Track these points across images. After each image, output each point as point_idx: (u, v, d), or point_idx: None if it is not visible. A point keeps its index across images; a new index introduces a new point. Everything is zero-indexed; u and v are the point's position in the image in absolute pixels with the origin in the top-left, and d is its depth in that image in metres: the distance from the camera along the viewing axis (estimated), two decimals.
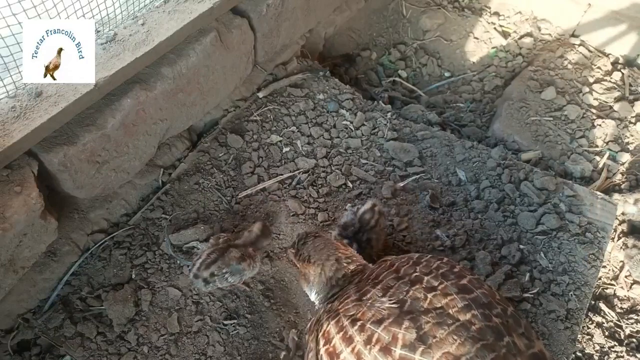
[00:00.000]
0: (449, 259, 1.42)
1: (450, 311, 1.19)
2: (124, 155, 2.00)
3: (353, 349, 1.22)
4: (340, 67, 3.33)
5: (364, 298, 1.31)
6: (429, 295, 1.23)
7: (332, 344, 1.28)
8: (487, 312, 1.19)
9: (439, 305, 1.20)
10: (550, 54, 3.17)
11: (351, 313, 1.29)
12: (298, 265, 1.65)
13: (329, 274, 1.54)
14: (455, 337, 1.13)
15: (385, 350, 1.16)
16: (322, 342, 1.34)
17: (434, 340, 1.13)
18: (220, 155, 2.42)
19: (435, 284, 1.26)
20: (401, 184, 2.38)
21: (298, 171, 2.40)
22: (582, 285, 2.07)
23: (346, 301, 1.36)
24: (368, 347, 1.19)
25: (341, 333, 1.27)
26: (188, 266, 2.05)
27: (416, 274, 1.31)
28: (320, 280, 1.56)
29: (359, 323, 1.25)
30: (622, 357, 2.16)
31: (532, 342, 1.20)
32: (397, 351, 1.14)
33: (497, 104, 2.98)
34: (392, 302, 1.25)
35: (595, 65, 3.12)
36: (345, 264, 1.54)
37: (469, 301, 1.20)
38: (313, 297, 1.62)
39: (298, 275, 1.75)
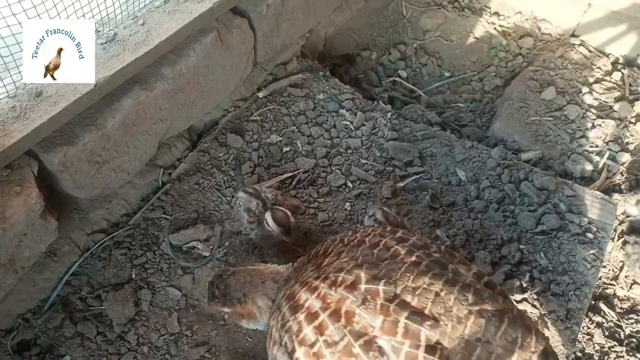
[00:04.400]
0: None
1: (397, 258, 1.33)
2: (124, 155, 2.00)
3: (319, 294, 1.29)
4: (340, 67, 3.33)
5: (323, 265, 1.39)
6: (375, 251, 1.36)
7: (296, 298, 1.33)
8: (426, 251, 1.36)
9: (386, 256, 1.34)
10: (550, 54, 3.17)
11: (314, 276, 1.36)
12: (233, 310, 1.58)
13: (273, 296, 1.52)
14: (409, 274, 1.26)
15: (351, 287, 1.26)
16: (284, 303, 1.36)
17: (392, 280, 1.25)
18: (220, 155, 2.42)
19: (376, 240, 1.40)
20: (401, 184, 2.38)
21: (298, 171, 2.40)
22: (582, 285, 2.07)
23: (305, 272, 1.42)
24: (333, 288, 1.28)
25: (306, 287, 1.34)
26: (189, 268, 2.06)
27: (358, 238, 1.44)
28: (269, 308, 1.53)
29: (322, 276, 1.34)
30: (622, 357, 2.16)
31: (469, 266, 1.37)
32: (362, 286, 1.25)
33: (497, 104, 2.98)
34: (348, 258, 1.37)
35: (595, 65, 3.12)
36: (279, 279, 1.55)
37: (409, 247, 1.36)
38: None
39: (234, 318, 1.66)
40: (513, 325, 1.17)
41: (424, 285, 1.23)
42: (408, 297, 1.21)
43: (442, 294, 1.21)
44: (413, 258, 1.31)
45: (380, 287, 1.23)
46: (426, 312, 1.18)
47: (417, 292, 1.22)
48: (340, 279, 1.29)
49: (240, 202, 2.06)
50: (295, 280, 1.44)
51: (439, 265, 1.30)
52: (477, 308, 1.19)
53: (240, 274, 1.57)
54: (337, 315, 1.22)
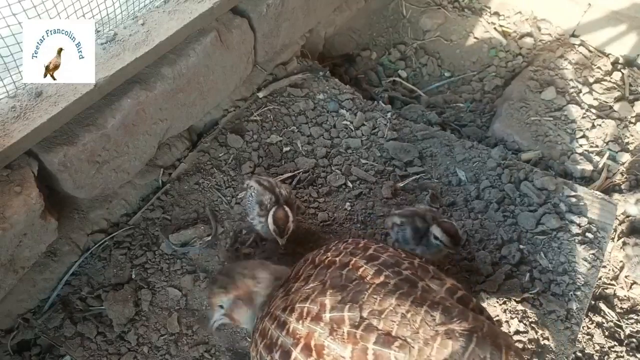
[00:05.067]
0: (354, 238, 1.56)
1: (366, 279, 1.31)
2: (124, 155, 2.00)
3: (288, 330, 1.30)
4: (340, 67, 3.33)
5: (291, 292, 1.39)
6: (344, 272, 1.35)
7: (268, 336, 1.35)
8: (396, 269, 1.34)
9: (354, 276, 1.32)
10: (550, 54, 3.16)
11: (282, 307, 1.36)
12: (238, 292, 1.55)
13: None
14: (376, 296, 1.25)
15: (316, 318, 1.26)
16: (259, 340, 1.39)
17: (358, 304, 1.24)
18: (220, 155, 2.42)
19: (346, 261, 1.38)
20: (401, 184, 2.38)
21: (298, 171, 2.40)
22: (582, 285, 2.07)
23: (275, 300, 1.43)
24: (300, 322, 1.28)
25: (275, 322, 1.34)
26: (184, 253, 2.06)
27: (329, 258, 1.42)
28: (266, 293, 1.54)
29: (289, 308, 1.34)
30: (622, 357, 2.16)
31: (443, 280, 1.35)
32: (327, 315, 1.25)
33: (497, 104, 2.98)
34: (315, 283, 1.36)
35: (595, 65, 3.12)
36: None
37: (379, 266, 1.34)
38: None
39: (231, 309, 1.59)
40: (481, 345, 1.15)
41: (390, 307, 1.22)
42: (374, 321, 1.21)
43: (409, 315, 1.20)
44: (381, 278, 1.30)
45: (345, 314, 1.23)
46: (393, 334, 1.18)
47: (383, 315, 1.21)
48: (305, 310, 1.29)
49: (253, 193, 2.02)
50: (267, 306, 1.45)
51: (408, 283, 1.29)
52: (444, 328, 1.18)
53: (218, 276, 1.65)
54: (308, 350, 1.24)
